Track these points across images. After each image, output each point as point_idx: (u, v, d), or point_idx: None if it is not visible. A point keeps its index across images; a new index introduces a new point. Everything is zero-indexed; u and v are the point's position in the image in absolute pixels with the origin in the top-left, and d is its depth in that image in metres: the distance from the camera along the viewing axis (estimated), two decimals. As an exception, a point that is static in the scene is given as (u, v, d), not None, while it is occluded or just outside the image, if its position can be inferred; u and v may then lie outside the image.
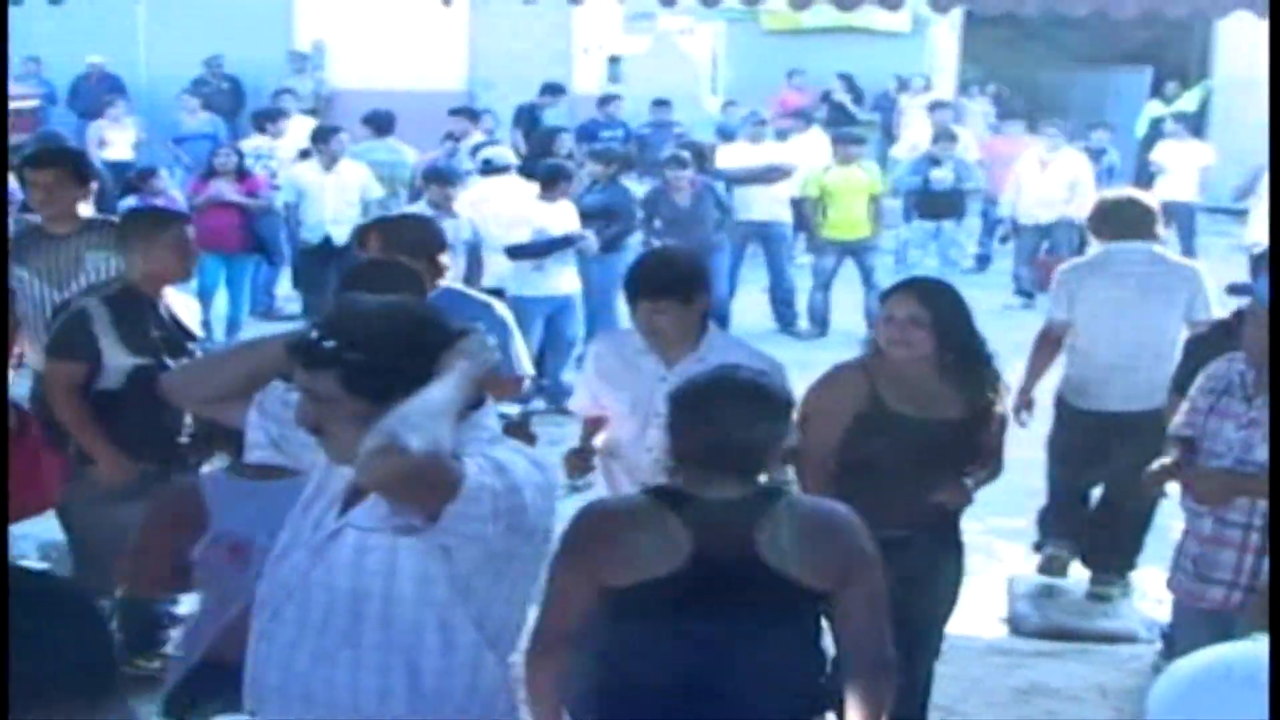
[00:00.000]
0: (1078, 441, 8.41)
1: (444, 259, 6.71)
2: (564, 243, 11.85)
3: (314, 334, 3.55)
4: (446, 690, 3.58)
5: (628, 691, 4.20)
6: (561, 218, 12.01)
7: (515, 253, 11.61)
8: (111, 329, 6.69)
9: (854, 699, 4.20)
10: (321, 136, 14.65)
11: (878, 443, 5.71)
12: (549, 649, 4.19)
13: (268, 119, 17.25)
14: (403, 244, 6.54)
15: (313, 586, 3.62)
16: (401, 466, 3.18)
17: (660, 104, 20.15)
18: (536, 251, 11.66)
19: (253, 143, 16.56)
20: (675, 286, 5.94)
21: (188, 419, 6.49)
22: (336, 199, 13.97)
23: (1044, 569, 8.72)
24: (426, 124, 17.46)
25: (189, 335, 7.05)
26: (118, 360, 6.71)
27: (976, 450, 5.87)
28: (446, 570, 3.49)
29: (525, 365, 6.83)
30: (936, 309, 5.77)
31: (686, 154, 14.71)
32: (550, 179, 12.15)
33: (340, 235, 13.76)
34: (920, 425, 5.69)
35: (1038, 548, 8.85)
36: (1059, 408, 8.55)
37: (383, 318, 3.61)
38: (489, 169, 12.84)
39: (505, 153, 13.72)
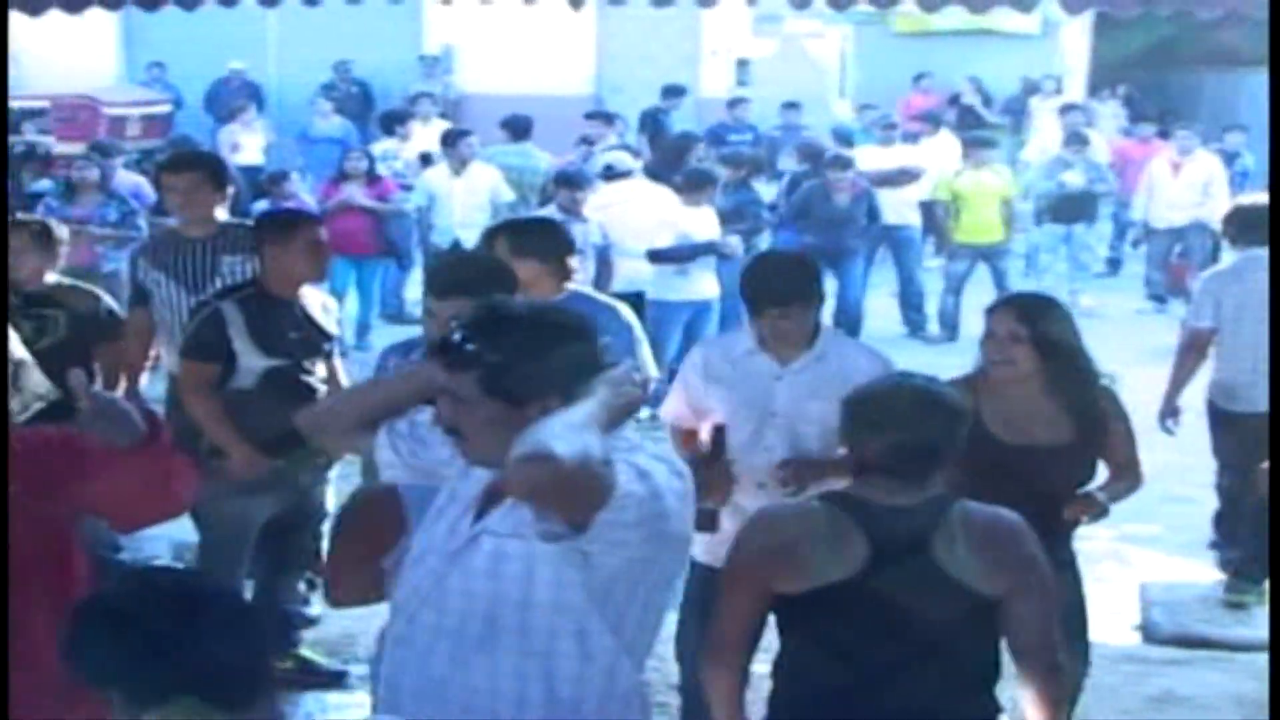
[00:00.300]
0: (1233, 444, 8.32)
1: (572, 262, 6.71)
2: (708, 248, 11.82)
3: (457, 336, 3.56)
4: (582, 697, 3.57)
5: (805, 699, 4.22)
6: (704, 222, 11.98)
7: (657, 257, 11.60)
8: (245, 330, 6.77)
9: (1029, 704, 4.23)
10: (450, 140, 14.73)
11: (974, 464, 5.66)
12: (724, 656, 4.20)
13: (397, 121, 17.36)
14: (530, 246, 6.55)
15: (449, 592, 3.62)
16: (554, 474, 3.17)
17: (790, 107, 20.09)
18: (680, 256, 11.64)
19: (381, 146, 16.68)
20: (804, 291, 5.92)
21: None
22: (465, 203, 14.02)
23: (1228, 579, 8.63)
24: (554, 128, 17.50)
25: (326, 335, 7.11)
26: (251, 361, 6.81)
27: (1090, 471, 5.77)
28: (583, 577, 3.48)
29: (651, 369, 6.82)
30: (1037, 324, 5.67)
31: (850, 155, 14.70)
32: (694, 184, 12.14)
33: (469, 239, 13.78)
34: (1017, 451, 5.60)
35: (1221, 556, 8.80)
36: (1211, 413, 8.51)
37: (525, 321, 3.62)
38: (611, 174, 12.85)
39: (624, 158, 13.70)
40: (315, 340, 7.00)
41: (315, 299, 7.19)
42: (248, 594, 7.01)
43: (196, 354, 6.91)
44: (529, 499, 3.34)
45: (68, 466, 4.07)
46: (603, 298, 7.25)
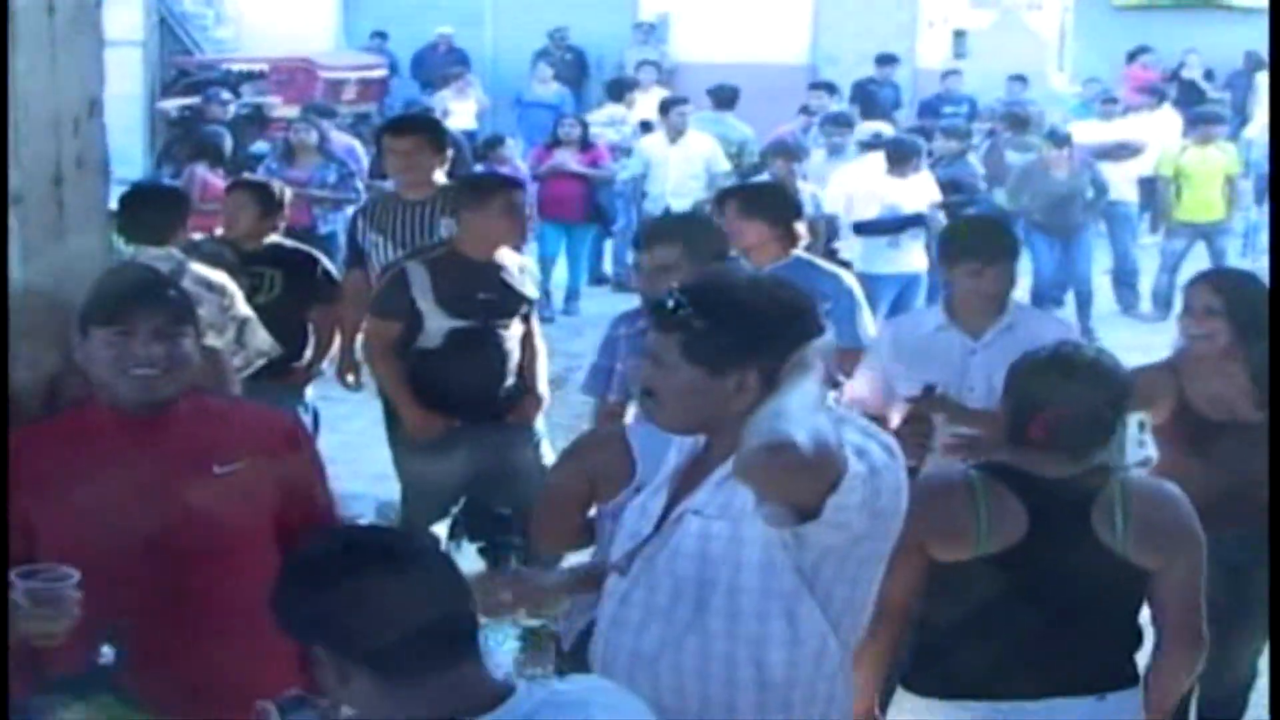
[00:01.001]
0: None
1: (800, 227, 6.69)
2: (914, 220, 11.67)
3: (672, 298, 3.52)
4: (793, 681, 3.53)
5: (956, 665, 4.26)
6: (913, 193, 11.82)
7: (862, 229, 11.49)
8: (430, 291, 6.87)
9: (1160, 671, 4.33)
10: (666, 108, 14.72)
11: (1182, 441, 5.67)
12: (881, 625, 4.13)
13: (625, 88, 17.39)
14: (759, 209, 6.53)
15: (659, 572, 3.60)
16: (794, 463, 3.12)
17: (1016, 80, 19.83)
18: (884, 228, 11.51)
19: (606, 112, 16.71)
20: (997, 249, 5.93)
21: (509, 379, 6.60)
22: (680, 171, 14.03)
23: None
24: (768, 97, 17.42)
25: (521, 298, 7.13)
26: (437, 321, 6.89)
27: None
28: (792, 560, 3.44)
29: (870, 336, 6.75)
30: (1232, 298, 5.64)
31: (1066, 130, 14.51)
32: (899, 155, 12.00)
33: (681, 207, 13.81)
34: (1222, 428, 5.59)
35: None
36: None
37: (739, 291, 3.57)
38: (873, 145, 12.77)
39: (887, 128, 13.63)
40: (508, 303, 7.03)
41: (513, 261, 7.23)
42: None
43: (379, 312, 7.11)
44: (762, 487, 3.29)
45: (281, 443, 4.14)
46: (825, 264, 7.22)
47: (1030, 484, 4.22)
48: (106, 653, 3.41)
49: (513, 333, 7.09)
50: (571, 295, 14.76)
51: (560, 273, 14.84)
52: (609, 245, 15.93)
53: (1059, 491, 4.20)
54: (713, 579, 3.50)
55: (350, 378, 8.26)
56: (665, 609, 3.58)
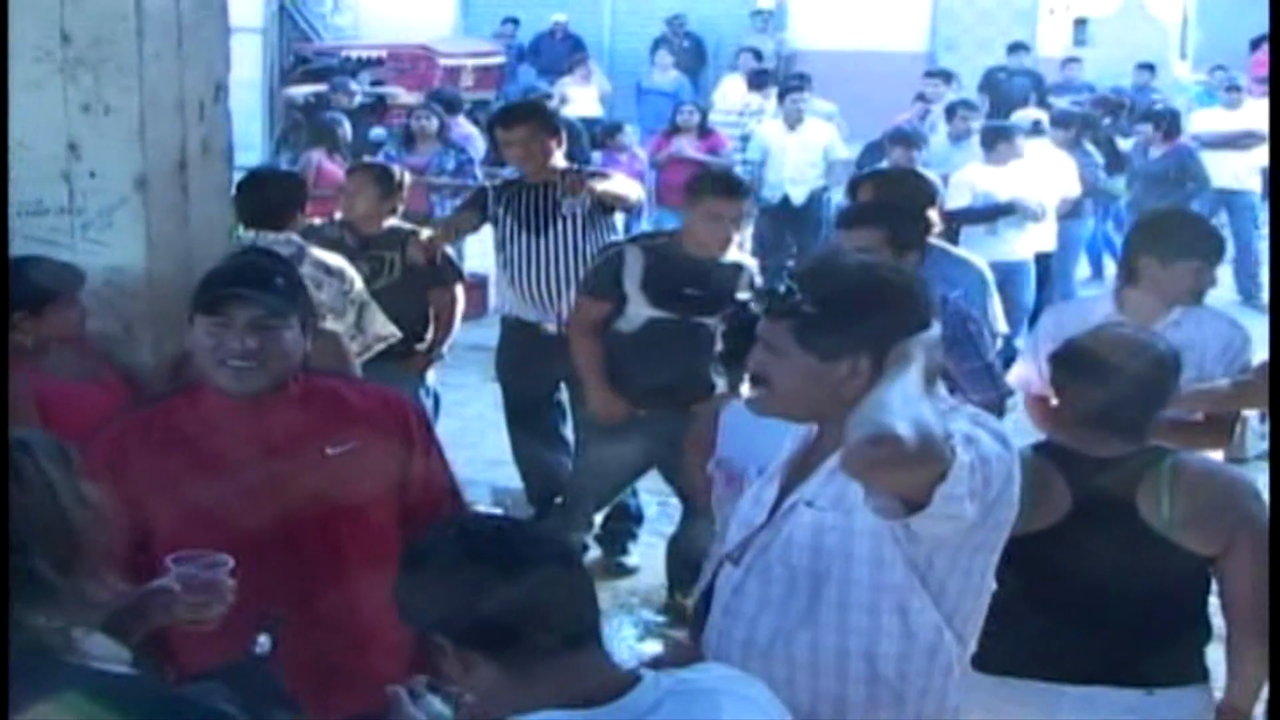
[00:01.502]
0: None
1: (932, 215, 6.64)
2: (1007, 209, 11.46)
3: (784, 284, 3.50)
4: (905, 675, 3.51)
5: (1005, 645, 4.15)
6: (1011, 181, 11.62)
7: (953, 217, 11.37)
8: (640, 276, 6.90)
9: (1231, 669, 4.25)
10: (783, 95, 14.69)
11: None
12: None
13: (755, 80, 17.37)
14: (894, 196, 6.50)
15: (772, 562, 3.57)
16: (899, 455, 3.10)
17: (1144, 68, 19.60)
18: (975, 217, 11.33)
19: (742, 99, 16.65)
20: (1219, 247, 5.86)
21: (701, 374, 6.62)
22: (798, 158, 13.97)
23: None
24: (886, 84, 17.32)
25: (730, 301, 7.12)
26: (638, 307, 6.94)
27: None
28: (904, 553, 3.41)
29: (1000, 324, 6.70)
30: None
31: (1168, 114, 14.38)
32: (993, 141, 11.86)
33: (798, 195, 13.80)
34: None
35: None
36: None
37: (853, 277, 3.53)
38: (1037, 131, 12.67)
39: (1042, 114, 13.51)
40: (712, 301, 6.99)
41: (743, 262, 7.21)
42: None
43: (587, 289, 7.22)
44: (869, 479, 3.27)
45: (396, 424, 4.14)
46: (957, 251, 7.18)
47: (1076, 462, 4.22)
48: (263, 642, 3.43)
49: (715, 330, 7.10)
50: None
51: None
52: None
53: (1104, 471, 4.19)
54: (825, 571, 3.48)
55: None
56: (779, 600, 3.55)
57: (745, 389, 4.32)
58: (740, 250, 7.26)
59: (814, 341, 3.41)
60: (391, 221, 8.08)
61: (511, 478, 8.61)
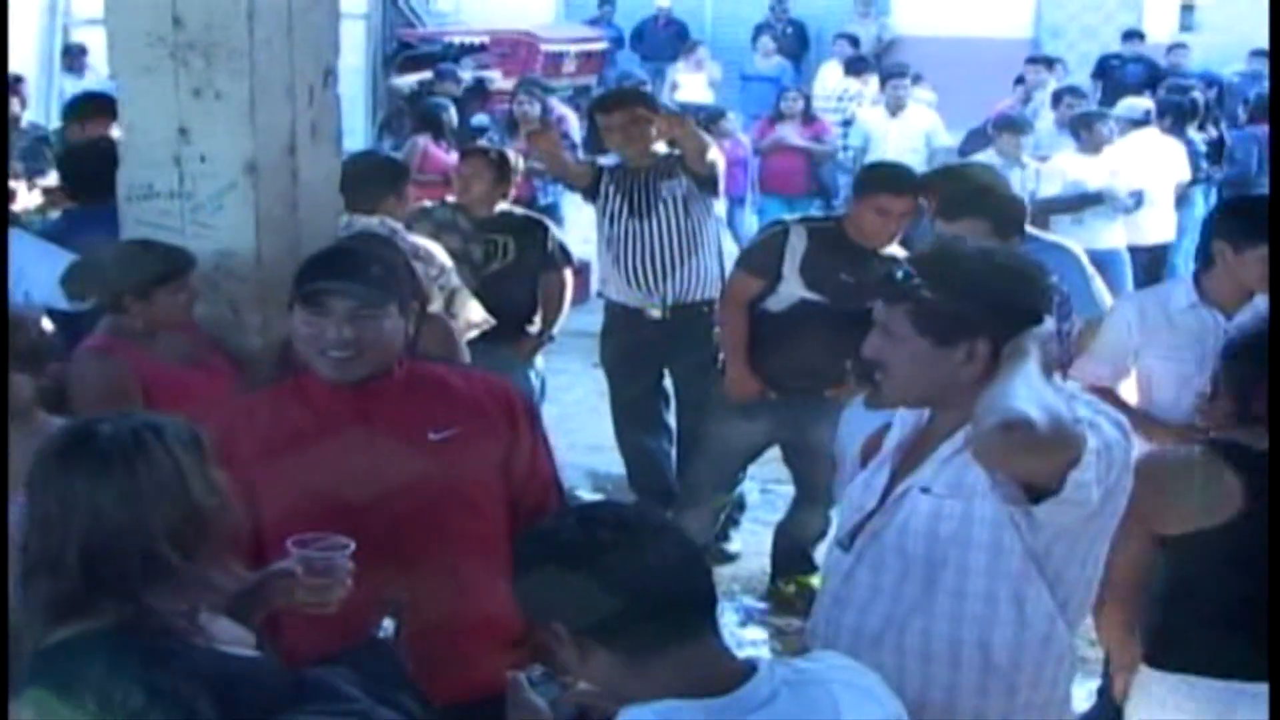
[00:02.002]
0: None
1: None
2: (1094, 199, 11.31)
3: (902, 270, 3.51)
4: (1019, 664, 3.50)
5: (1182, 639, 4.23)
6: (1103, 170, 11.47)
7: (1042, 206, 11.24)
8: (800, 257, 6.93)
9: None
10: (884, 81, 14.64)
11: None
12: (1113, 597, 4.15)
13: (859, 63, 17.30)
14: (965, 193, 6.45)
15: (885, 549, 3.57)
16: (1032, 440, 3.10)
17: (1258, 55, 19.33)
18: (1062, 206, 11.18)
19: (840, 85, 16.59)
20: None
21: (841, 360, 6.62)
22: (899, 145, 13.91)
23: None
24: (990, 70, 17.18)
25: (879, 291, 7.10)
26: (791, 288, 6.97)
27: None
28: (1021, 542, 3.40)
29: (1108, 303, 6.64)
30: None
31: (1257, 100, 14.24)
32: (1080, 129, 11.72)
33: (899, 181, 13.68)
34: None
35: None
36: None
37: (971, 262, 3.55)
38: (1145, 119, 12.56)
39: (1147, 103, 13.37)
40: (867, 291, 6.96)
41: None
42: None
43: (745, 264, 7.29)
44: (1003, 465, 3.25)
45: (500, 410, 4.14)
46: (1051, 238, 7.12)
47: (1250, 459, 4.15)
48: (387, 626, 3.44)
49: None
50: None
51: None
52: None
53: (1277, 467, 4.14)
54: (942, 558, 3.47)
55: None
56: (891, 588, 3.55)
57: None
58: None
59: (931, 325, 3.41)
60: (503, 206, 8.11)
61: (612, 463, 8.63)
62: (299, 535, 3.52)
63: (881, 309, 3.54)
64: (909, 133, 14.09)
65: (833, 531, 4.06)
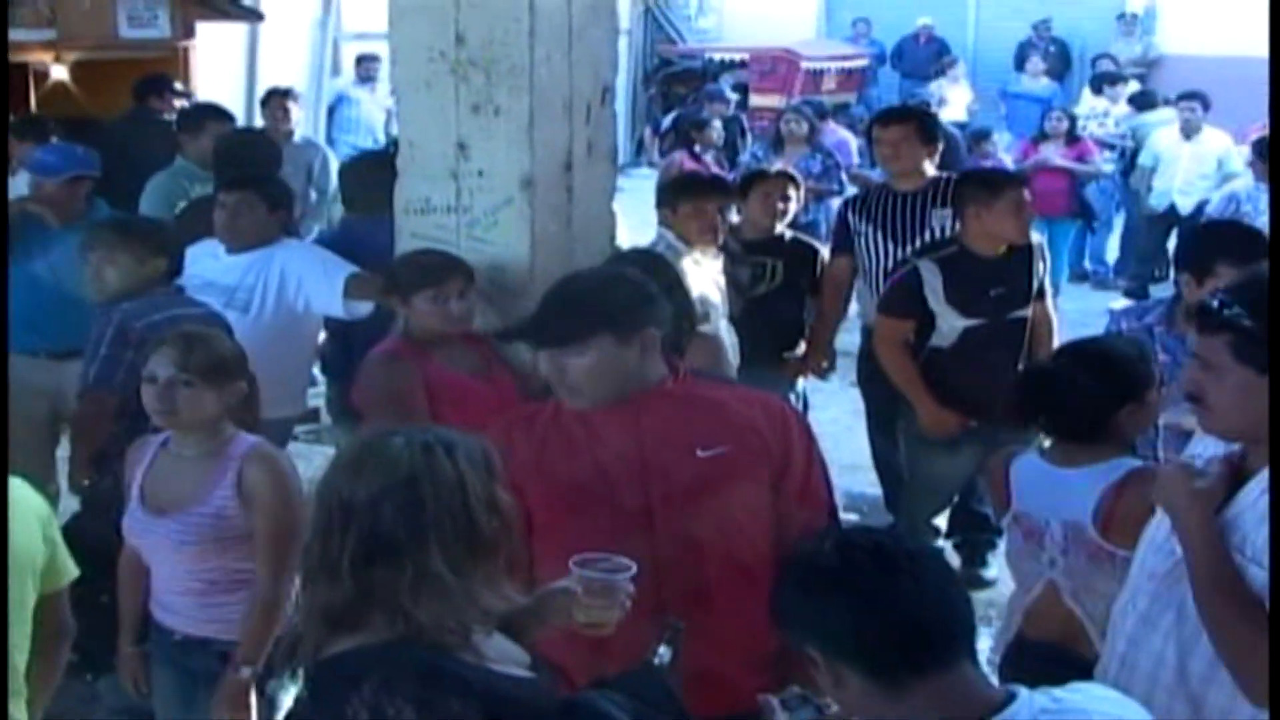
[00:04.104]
0: None
1: None
2: None
3: (1218, 299, 3.40)
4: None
5: None
6: None
7: None
8: (942, 291, 6.85)
9: None
10: (1177, 103, 14.54)
11: None
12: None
13: (1107, 82, 17.04)
14: None
15: (1187, 596, 3.43)
16: None
17: None
18: None
19: (1088, 104, 16.37)
20: None
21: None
22: (1190, 168, 13.82)
23: None
24: (1257, 90, 16.77)
25: (1031, 283, 7.06)
26: (950, 321, 6.90)
27: None
28: None
29: None
30: None
31: None
32: None
33: (1186, 205, 13.61)
34: None
35: None
36: None
37: None
38: None
39: None
40: (1018, 295, 6.98)
41: (1037, 237, 7.26)
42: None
43: (890, 309, 7.13)
44: None
45: (771, 428, 4.08)
46: None
47: None
48: (663, 653, 3.44)
49: (1030, 318, 7.10)
50: (1051, 292, 14.49)
51: (1042, 268, 14.64)
52: (1089, 242, 15.64)
53: None
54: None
55: (824, 364, 8.27)
56: (1190, 636, 3.42)
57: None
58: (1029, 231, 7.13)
59: (1253, 355, 3.29)
60: (779, 228, 8.07)
61: (867, 484, 8.55)
62: (582, 555, 3.51)
63: (1198, 340, 3.43)
64: (1202, 156, 13.95)
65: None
